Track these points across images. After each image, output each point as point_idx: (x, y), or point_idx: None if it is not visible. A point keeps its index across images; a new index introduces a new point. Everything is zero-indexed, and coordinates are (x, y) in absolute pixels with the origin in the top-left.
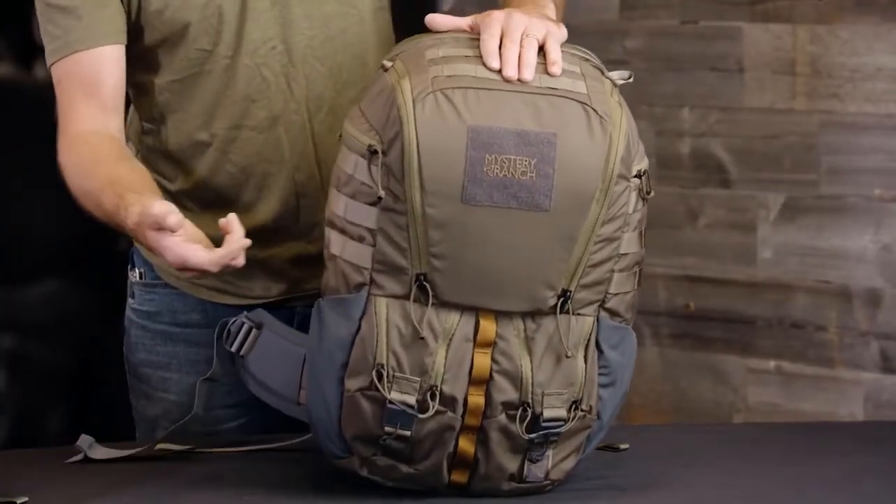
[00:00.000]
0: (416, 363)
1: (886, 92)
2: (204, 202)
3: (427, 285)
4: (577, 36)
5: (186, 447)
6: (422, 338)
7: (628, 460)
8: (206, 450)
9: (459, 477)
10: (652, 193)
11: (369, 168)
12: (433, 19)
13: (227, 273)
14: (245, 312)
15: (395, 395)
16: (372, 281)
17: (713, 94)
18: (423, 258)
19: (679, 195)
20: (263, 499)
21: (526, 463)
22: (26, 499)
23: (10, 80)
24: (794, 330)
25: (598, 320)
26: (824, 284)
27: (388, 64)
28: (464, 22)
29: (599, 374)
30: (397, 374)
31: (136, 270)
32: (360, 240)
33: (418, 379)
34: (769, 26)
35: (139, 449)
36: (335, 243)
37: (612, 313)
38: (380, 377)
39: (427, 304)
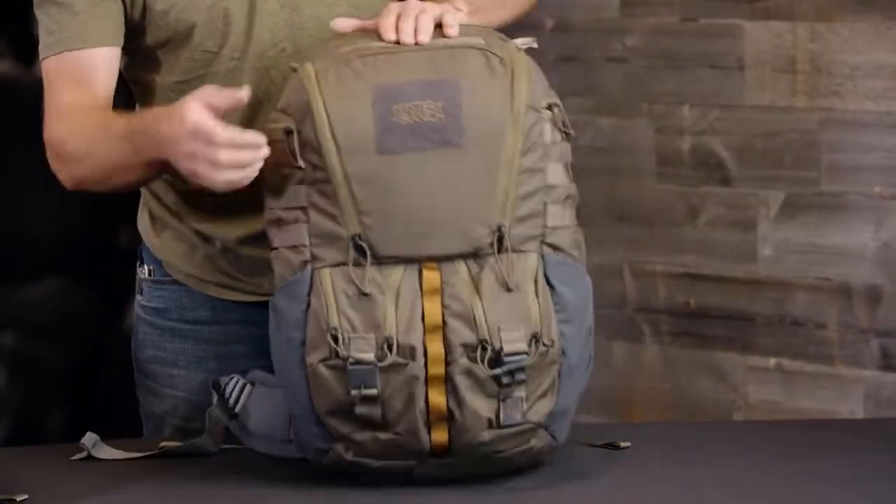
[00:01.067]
0: (368, 320)
1: (887, 89)
2: (212, 205)
3: (363, 245)
4: (577, 33)
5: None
6: (367, 294)
7: (628, 458)
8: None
9: (440, 436)
10: (572, 132)
11: (288, 148)
12: (336, 23)
13: (236, 270)
14: (236, 377)
15: (353, 355)
16: (313, 257)
17: (713, 92)
18: (355, 219)
19: (679, 193)
20: (266, 496)
21: (500, 405)
22: (27, 496)
23: (9, 78)
24: (794, 327)
25: (542, 257)
26: (825, 282)
27: (296, 65)
28: (369, 22)
29: (556, 311)
30: (352, 334)
31: (145, 267)
32: (295, 221)
33: (373, 335)
34: (769, 24)
35: (143, 454)
36: (275, 238)
37: (556, 248)
38: (336, 340)
39: (367, 264)
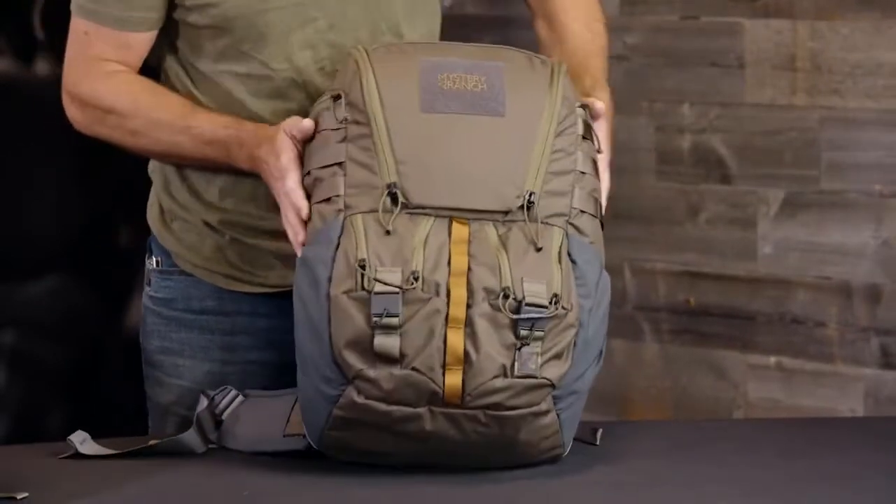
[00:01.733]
0: (396, 255)
1: (887, 88)
2: (222, 197)
3: (397, 192)
4: None
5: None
6: (397, 233)
7: (628, 456)
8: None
9: (454, 378)
10: (597, 142)
11: (334, 113)
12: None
13: (244, 262)
14: (230, 388)
15: (378, 279)
16: (346, 206)
17: (714, 90)
18: (391, 169)
19: (679, 191)
20: (265, 493)
21: (516, 354)
22: (27, 494)
23: (9, 77)
24: (794, 326)
25: (567, 235)
26: (825, 280)
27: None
28: None
29: (577, 284)
30: (379, 267)
31: (154, 258)
32: (332, 175)
33: (400, 268)
34: (770, 22)
35: (129, 450)
36: (313, 198)
37: (580, 231)
38: (363, 267)
39: (398, 209)
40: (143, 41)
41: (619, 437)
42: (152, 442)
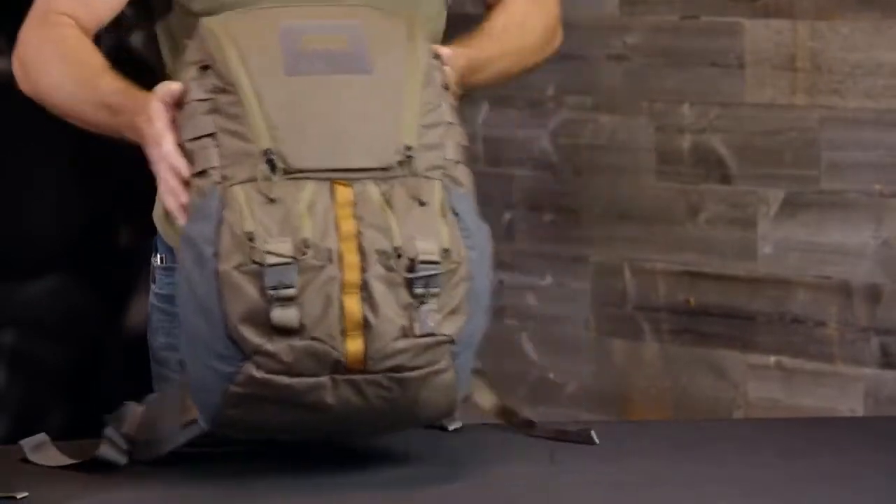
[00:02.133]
0: (283, 224)
1: (887, 88)
2: None
3: (274, 158)
4: (578, 32)
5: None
6: (280, 201)
7: (628, 456)
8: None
9: (355, 345)
10: (452, 89)
11: (200, 83)
12: None
13: None
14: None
15: (270, 251)
16: (223, 177)
17: (714, 90)
18: (265, 135)
19: (679, 191)
20: (269, 490)
21: (413, 314)
22: (27, 494)
23: (9, 76)
24: (794, 325)
25: (445, 188)
26: (825, 280)
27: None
28: None
29: (462, 236)
30: (268, 238)
31: (158, 255)
32: (205, 148)
33: (289, 238)
34: (770, 22)
35: (77, 461)
36: (188, 169)
37: (456, 182)
38: (252, 240)
39: (277, 176)
40: (106, 6)
41: (619, 437)
42: (79, 461)
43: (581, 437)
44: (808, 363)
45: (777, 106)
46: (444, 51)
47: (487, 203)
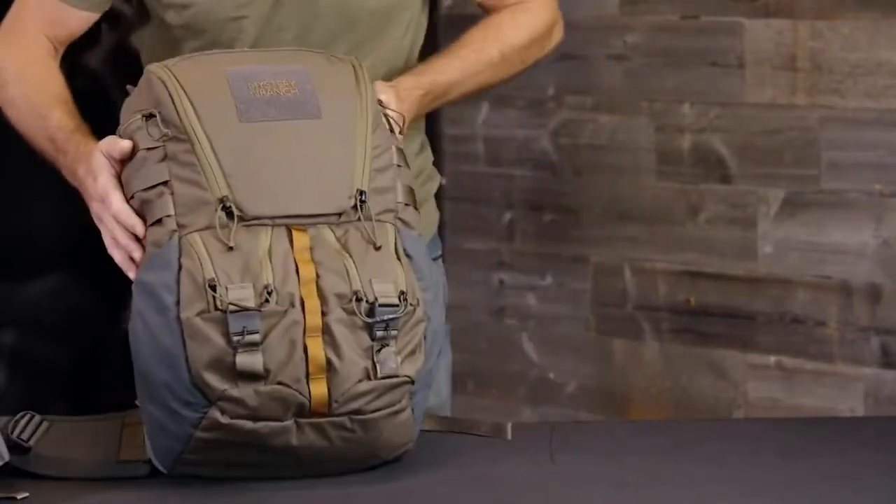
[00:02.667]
0: (244, 271)
1: (887, 87)
2: None
3: (231, 205)
4: (578, 31)
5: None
6: (240, 248)
7: (628, 455)
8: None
9: (319, 388)
10: (400, 135)
11: (148, 132)
12: None
13: None
14: (29, 414)
15: (233, 299)
16: (179, 225)
17: (714, 90)
18: (221, 182)
19: (679, 191)
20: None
21: (375, 357)
22: (27, 494)
23: None
24: (794, 325)
25: (398, 231)
26: (825, 280)
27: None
28: None
29: (416, 278)
30: (230, 285)
31: None
32: (160, 196)
33: (251, 283)
34: (770, 21)
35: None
36: (142, 227)
37: (407, 225)
38: (214, 289)
39: (235, 223)
40: (79, 20)
41: (619, 437)
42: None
43: (494, 432)
44: (808, 363)
45: (777, 106)
46: (383, 95)
47: (487, 203)
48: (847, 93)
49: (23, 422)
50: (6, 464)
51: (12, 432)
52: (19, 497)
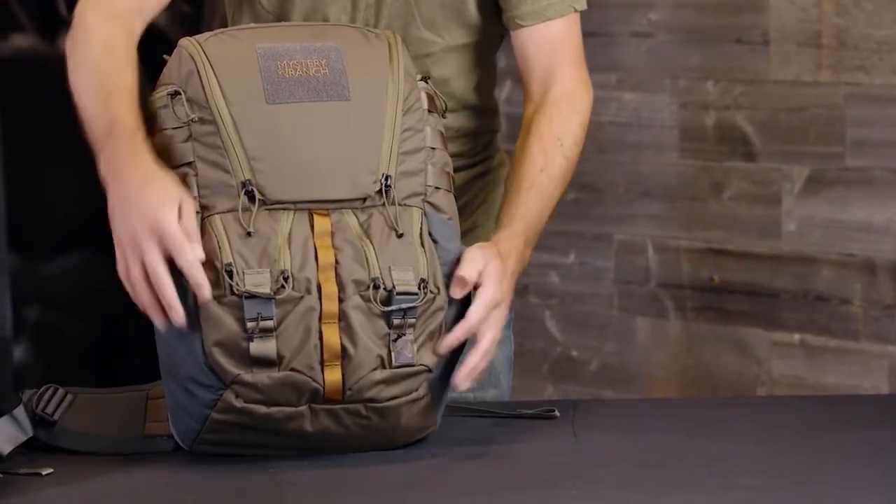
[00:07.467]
0: (262, 256)
1: None
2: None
3: (254, 189)
4: (601, 9)
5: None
6: (259, 233)
7: (651, 433)
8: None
9: (333, 375)
10: (445, 113)
11: (174, 111)
12: (445, 342)
13: None
14: (53, 387)
15: (249, 285)
16: (202, 207)
17: (738, 67)
18: (245, 166)
19: (703, 168)
20: (288, 470)
21: (391, 345)
22: (51, 470)
23: (33, 52)
24: (818, 303)
25: (425, 214)
26: (849, 257)
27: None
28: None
29: (440, 264)
30: (246, 269)
31: None
32: (183, 177)
33: (268, 269)
34: None
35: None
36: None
37: (437, 208)
38: (231, 274)
39: (256, 208)
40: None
41: (642, 414)
42: None
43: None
44: (831, 341)
45: (802, 83)
46: (481, 263)
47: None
48: (872, 69)
49: (47, 395)
50: (31, 438)
51: (37, 406)
52: (44, 473)
